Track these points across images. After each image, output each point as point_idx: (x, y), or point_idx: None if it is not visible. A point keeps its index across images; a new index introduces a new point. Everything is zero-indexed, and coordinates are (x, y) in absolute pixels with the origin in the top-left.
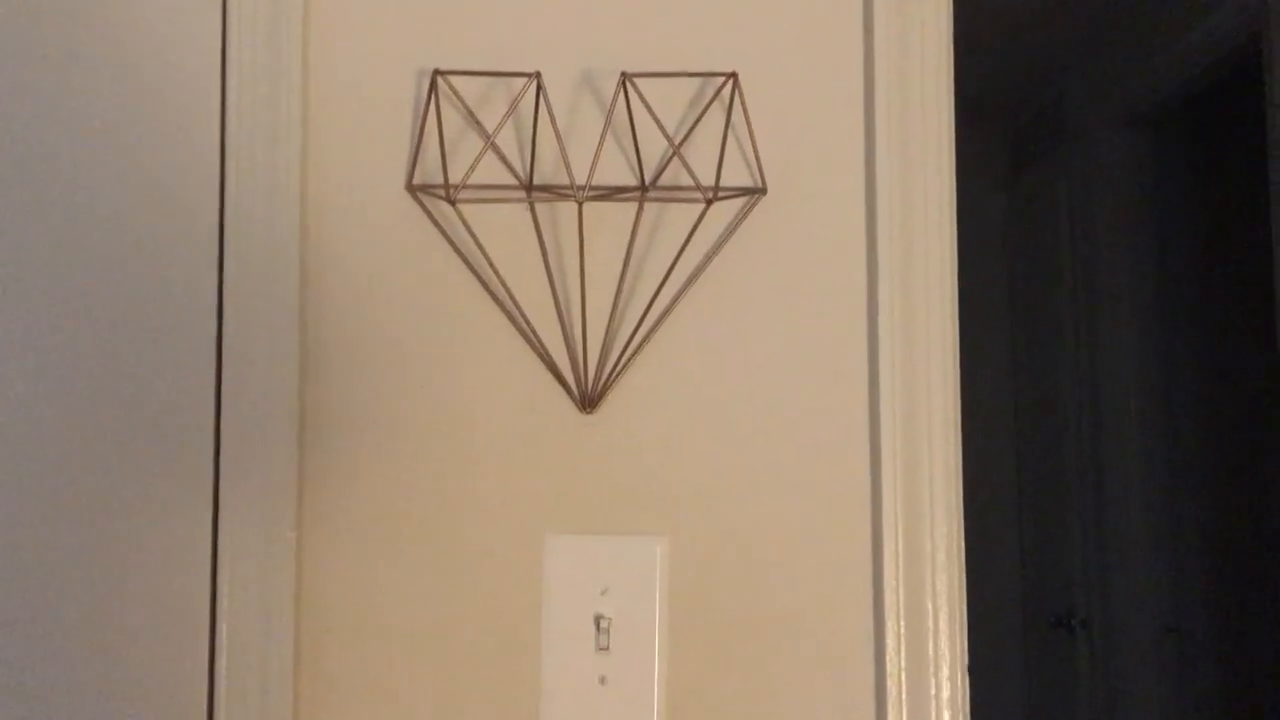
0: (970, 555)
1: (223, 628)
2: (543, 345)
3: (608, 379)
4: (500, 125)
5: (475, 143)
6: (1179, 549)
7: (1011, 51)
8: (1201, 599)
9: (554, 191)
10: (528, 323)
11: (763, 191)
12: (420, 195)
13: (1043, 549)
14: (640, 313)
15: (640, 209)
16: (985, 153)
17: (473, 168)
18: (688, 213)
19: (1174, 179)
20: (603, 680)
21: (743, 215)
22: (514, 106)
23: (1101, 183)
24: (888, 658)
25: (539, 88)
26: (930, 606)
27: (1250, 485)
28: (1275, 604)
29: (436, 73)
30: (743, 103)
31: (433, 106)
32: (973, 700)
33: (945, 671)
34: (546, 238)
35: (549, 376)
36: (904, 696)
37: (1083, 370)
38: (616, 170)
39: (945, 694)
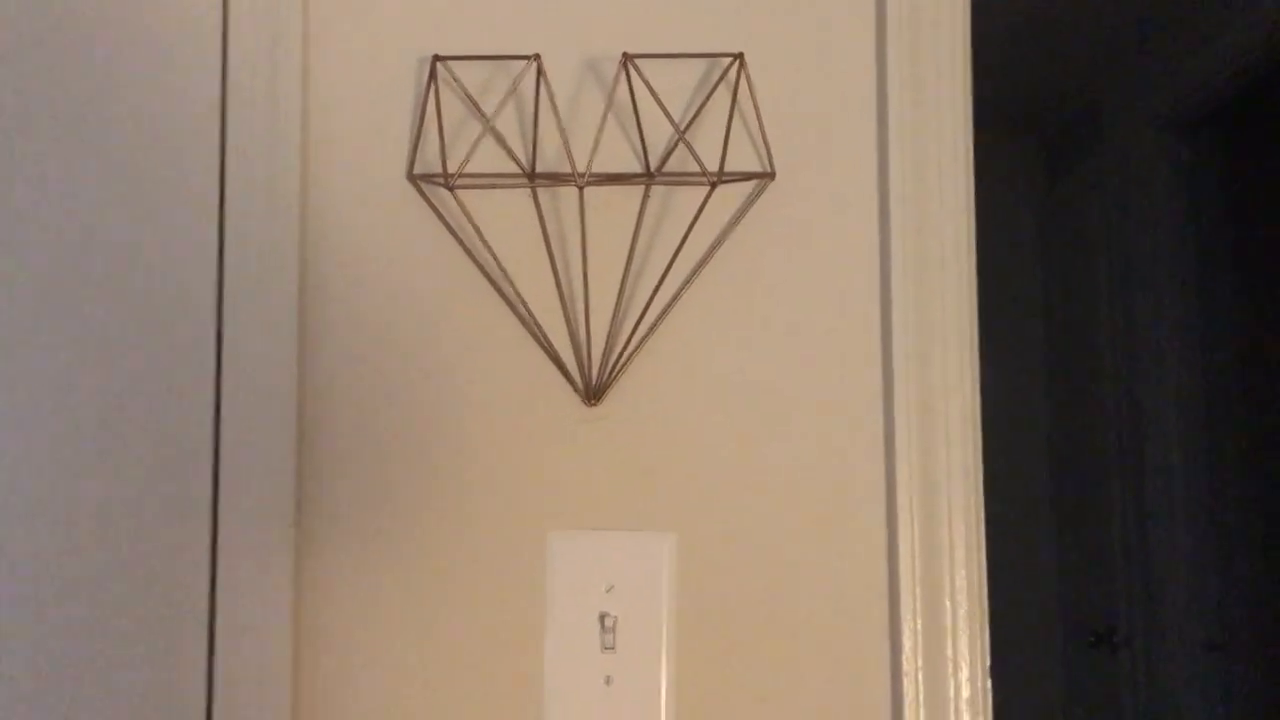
0: (1008, 571)
1: (221, 624)
2: (546, 336)
3: (613, 370)
4: (499, 108)
5: (477, 130)
6: (1223, 563)
7: (1046, 59)
8: (1247, 614)
9: (556, 178)
10: (530, 313)
11: (771, 176)
12: (421, 184)
13: (1083, 565)
14: (646, 301)
15: (646, 195)
16: (1020, 162)
17: (470, 153)
18: (695, 198)
19: (1211, 183)
20: (608, 680)
21: (751, 200)
22: (513, 89)
23: (1137, 189)
24: (904, 658)
25: (539, 71)
26: (949, 604)
27: None
28: None
29: (436, 58)
30: (749, 85)
31: (432, 93)
32: None
33: (965, 672)
34: (549, 226)
35: (552, 368)
36: (921, 698)
37: (1121, 380)
38: (621, 155)
39: (965, 695)
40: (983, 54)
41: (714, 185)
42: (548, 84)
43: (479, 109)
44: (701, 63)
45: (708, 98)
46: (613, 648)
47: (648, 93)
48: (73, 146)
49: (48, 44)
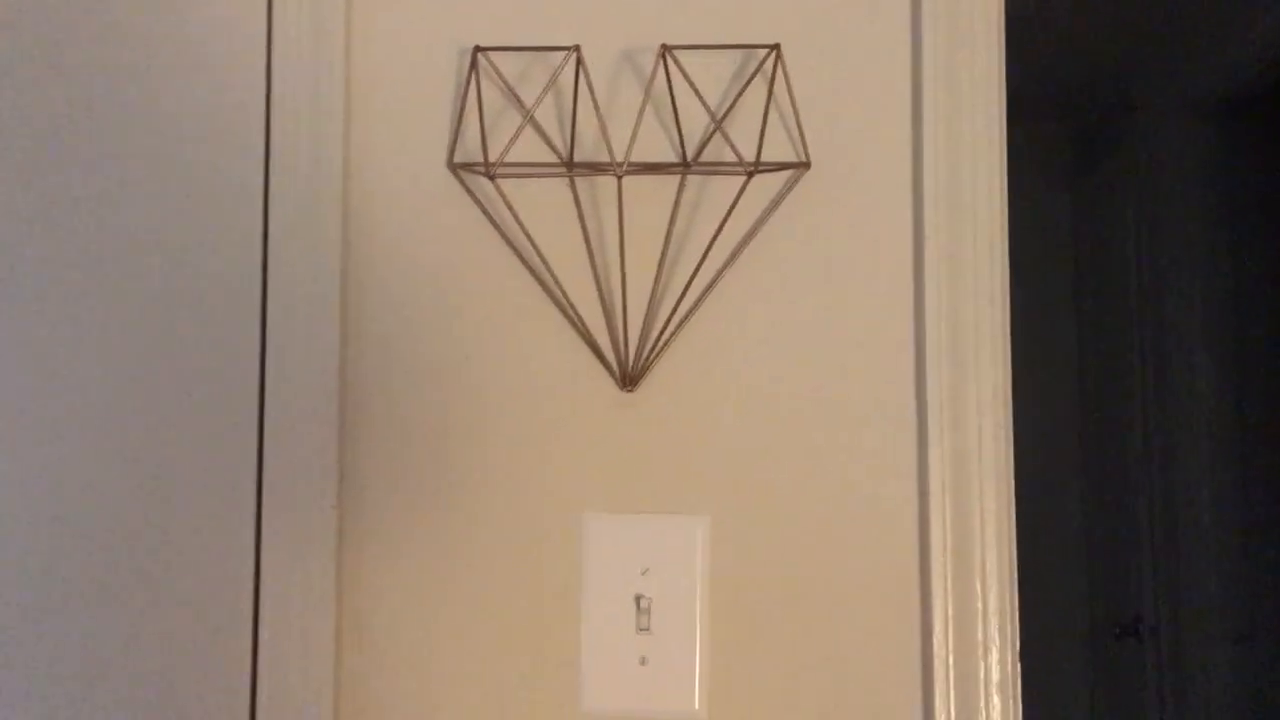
0: (1034, 562)
1: (265, 601)
2: (583, 322)
3: (649, 356)
4: (539, 100)
5: (517, 120)
6: (1251, 555)
7: (1077, 48)
8: (1274, 606)
9: (594, 167)
10: (568, 299)
11: (806, 165)
12: (461, 173)
13: (1110, 555)
14: (681, 289)
15: (682, 184)
16: (1050, 151)
17: (511, 143)
18: (730, 188)
19: (1244, 171)
20: (643, 661)
21: (786, 189)
22: (553, 80)
23: (1170, 177)
24: (934, 640)
25: (578, 61)
26: (979, 587)
27: None
28: None
29: (477, 49)
30: (785, 75)
31: (473, 83)
32: (1036, 711)
33: (995, 655)
34: (587, 214)
35: (589, 354)
36: (951, 678)
37: (1151, 369)
38: (658, 145)
39: (995, 677)
40: (1014, 42)
41: (750, 175)
42: (587, 75)
43: (519, 99)
44: (738, 54)
45: (744, 88)
46: (648, 629)
47: (685, 83)
48: (119, 144)
49: (90, 42)
